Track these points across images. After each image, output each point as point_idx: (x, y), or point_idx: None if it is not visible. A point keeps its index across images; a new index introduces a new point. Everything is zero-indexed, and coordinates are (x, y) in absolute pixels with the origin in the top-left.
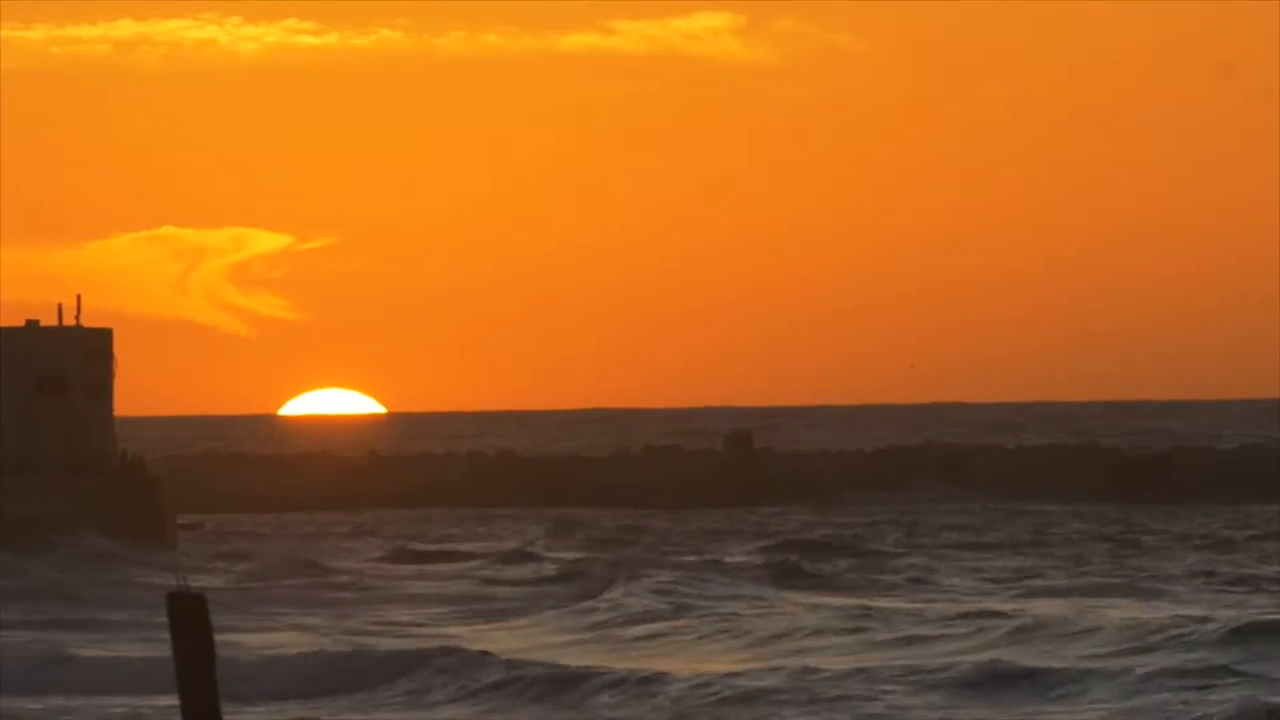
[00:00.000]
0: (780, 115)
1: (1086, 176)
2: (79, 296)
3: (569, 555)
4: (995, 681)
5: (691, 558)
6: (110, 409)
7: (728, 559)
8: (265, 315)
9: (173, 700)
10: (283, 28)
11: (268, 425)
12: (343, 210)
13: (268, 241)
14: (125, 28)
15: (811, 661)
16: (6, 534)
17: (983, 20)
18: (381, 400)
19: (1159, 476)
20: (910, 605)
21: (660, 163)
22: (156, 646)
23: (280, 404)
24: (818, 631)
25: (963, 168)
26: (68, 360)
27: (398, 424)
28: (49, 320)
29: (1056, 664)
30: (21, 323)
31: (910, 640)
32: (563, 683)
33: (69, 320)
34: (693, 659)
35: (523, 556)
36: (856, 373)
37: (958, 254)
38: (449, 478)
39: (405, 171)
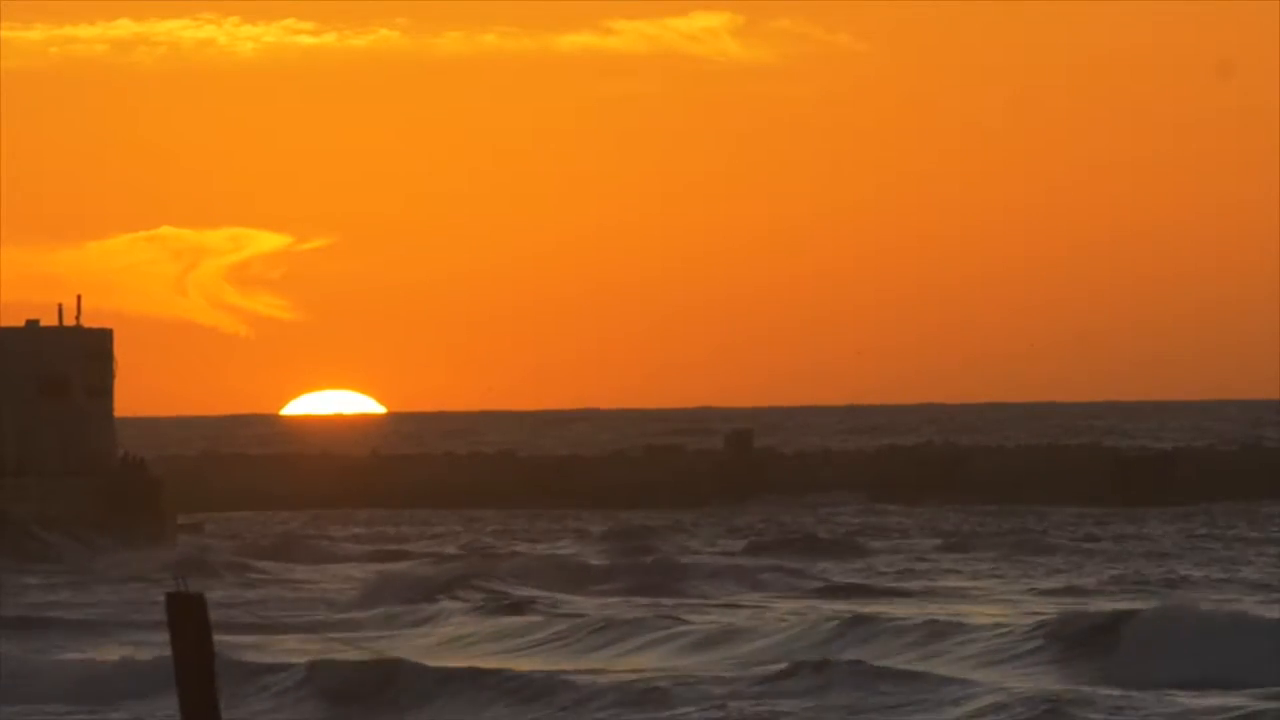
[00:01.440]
0: (779, 115)
1: (1086, 176)
2: (79, 297)
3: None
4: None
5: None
6: (110, 409)
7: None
8: (264, 315)
9: (172, 706)
10: (281, 27)
11: (268, 425)
12: (342, 210)
13: (267, 241)
14: (123, 27)
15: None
16: (6, 535)
17: (983, 20)
18: (381, 400)
19: (1159, 476)
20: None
21: (659, 163)
22: (156, 649)
23: (281, 404)
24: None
25: (962, 167)
26: (68, 360)
27: (398, 424)
28: (49, 320)
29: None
30: (21, 323)
31: (614, 640)
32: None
33: (69, 320)
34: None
35: (456, 557)
36: (856, 373)
37: (958, 254)
38: (449, 478)
39: (404, 171)
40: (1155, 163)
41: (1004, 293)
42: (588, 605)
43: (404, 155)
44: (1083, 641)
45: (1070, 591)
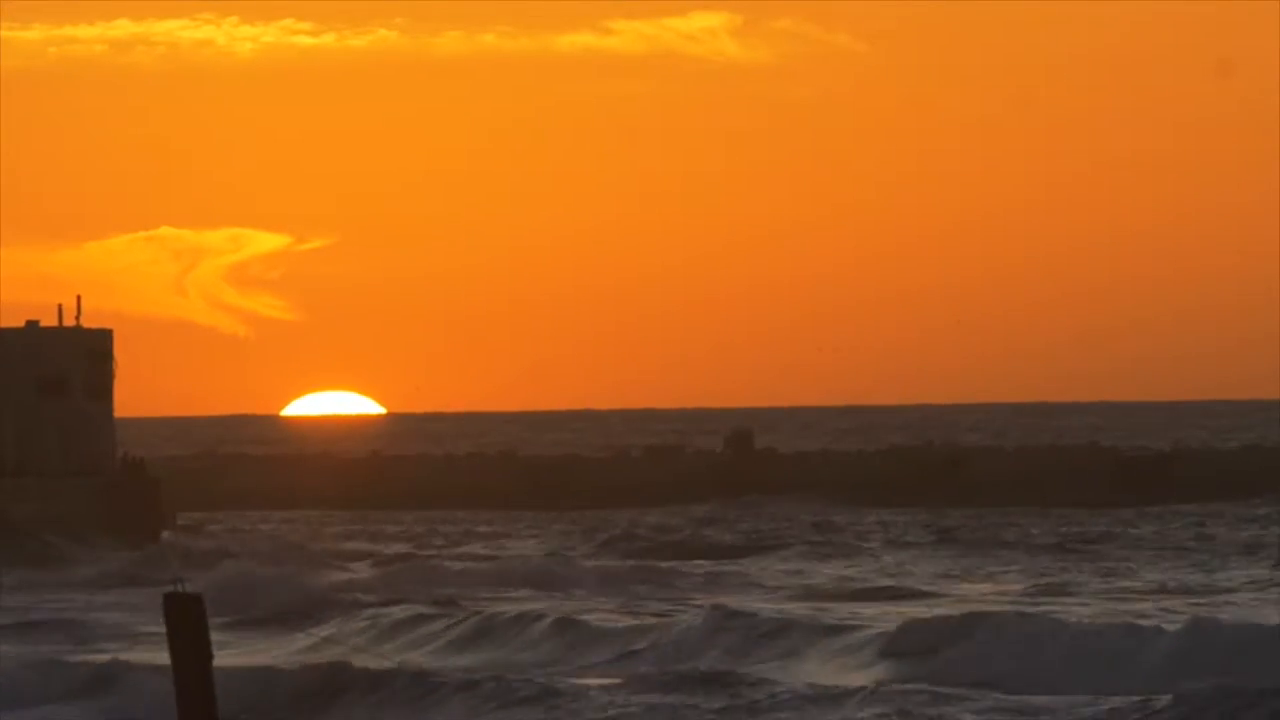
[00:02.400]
0: (777, 115)
1: (1086, 176)
2: (79, 297)
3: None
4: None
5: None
6: (110, 409)
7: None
8: (264, 316)
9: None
10: (279, 28)
11: (268, 425)
12: (341, 210)
13: (266, 242)
14: (122, 28)
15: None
16: (6, 535)
17: (982, 20)
18: (381, 400)
19: (1159, 476)
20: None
21: (658, 162)
22: (157, 650)
23: (281, 404)
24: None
25: (962, 167)
26: (68, 361)
27: (398, 424)
28: (49, 320)
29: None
30: (21, 323)
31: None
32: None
33: (69, 321)
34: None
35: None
36: (856, 373)
37: (957, 254)
38: (448, 478)
39: (403, 171)
40: (1155, 162)
41: (1004, 293)
42: (467, 608)
43: (403, 155)
44: (918, 645)
45: (1027, 593)
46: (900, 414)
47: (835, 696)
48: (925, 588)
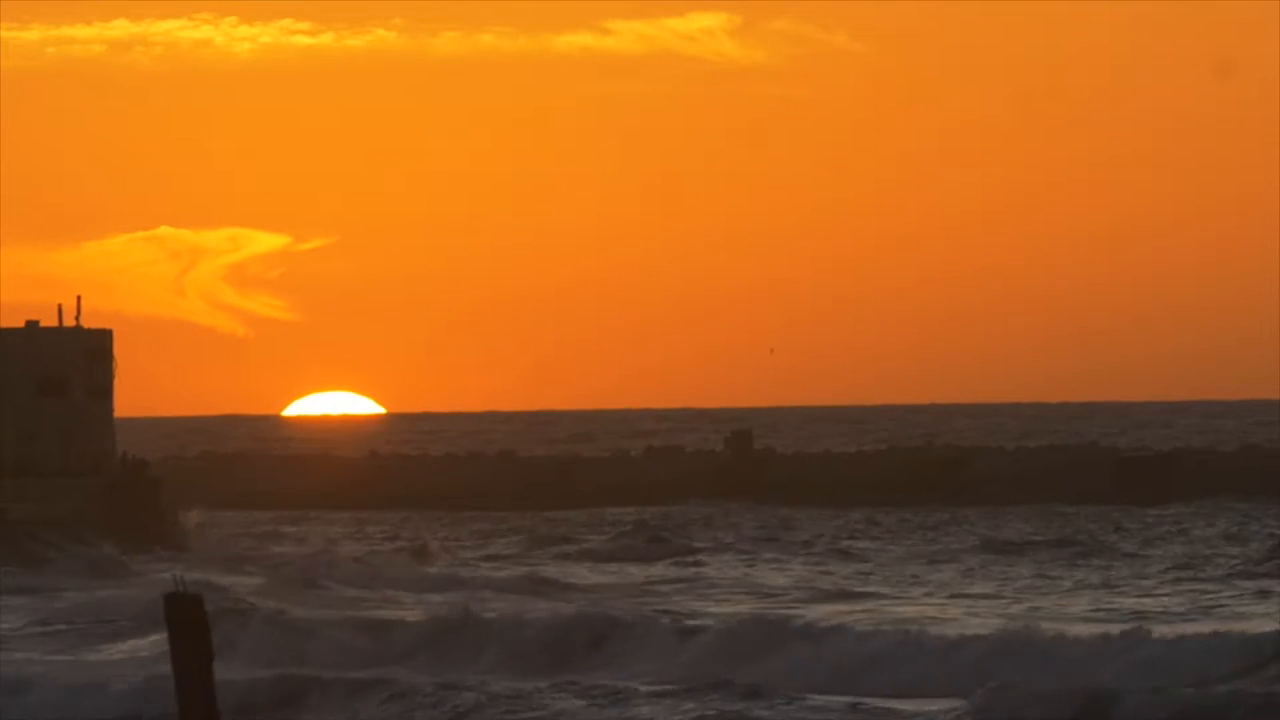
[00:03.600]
0: (776, 115)
1: (1085, 176)
2: (79, 297)
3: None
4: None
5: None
6: (110, 410)
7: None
8: (263, 316)
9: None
10: (278, 28)
11: (268, 425)
12: (340, 210)
13: (265, 242)
14: (121, 28)
15: None
16: (5, 536)
17: (982, 20)
18: (381, 401)
19: (1159, 477)
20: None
21: (656, 162)
22: (158, 651)
23: (281, 404)
24: None
25: (961, 167)
26: (68, 360)
27: (397, 424)
28: (49, 320)
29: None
30: (21, 323)
31: None
32: None
33: (69, 321)
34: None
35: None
36: (856, 373)
37: (957, 254)
38: (448, 478)
39: (402, 171)
40: (1155, 162)
41: (1003, 292)
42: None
43: (402, 155)
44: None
45: (995, 595)
46: (900, 414)
47: (631, 698)
48: (878, 591)
